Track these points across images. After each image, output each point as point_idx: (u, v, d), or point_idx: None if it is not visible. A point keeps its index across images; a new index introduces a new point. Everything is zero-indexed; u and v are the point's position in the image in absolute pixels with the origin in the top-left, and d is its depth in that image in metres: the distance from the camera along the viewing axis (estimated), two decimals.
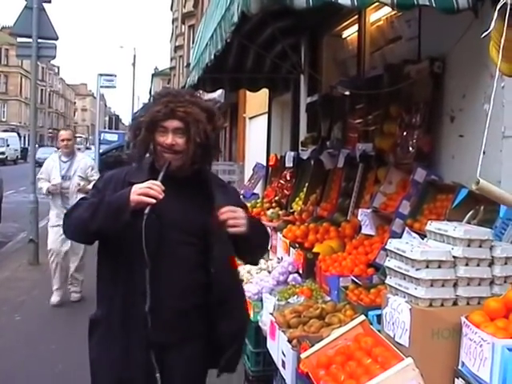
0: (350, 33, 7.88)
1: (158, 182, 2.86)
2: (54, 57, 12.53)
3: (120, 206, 2.84)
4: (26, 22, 11.60)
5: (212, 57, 5.71)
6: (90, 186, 6.93)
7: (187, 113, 2.94)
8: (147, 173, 3.02)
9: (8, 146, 50.56)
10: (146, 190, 2.81)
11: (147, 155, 3.11)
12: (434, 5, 3.79)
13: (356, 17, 7.26)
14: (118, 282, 3.01)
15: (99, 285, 3.14)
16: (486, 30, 3.10)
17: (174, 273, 2.99)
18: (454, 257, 2.95)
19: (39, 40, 11.72)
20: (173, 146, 2.95)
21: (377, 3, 4.14)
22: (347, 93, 6.91)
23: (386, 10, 6.26)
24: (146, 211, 2.82)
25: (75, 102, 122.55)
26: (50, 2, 12.04)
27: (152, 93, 57.95)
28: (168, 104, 2.95)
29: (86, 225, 2.90)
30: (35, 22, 11.50)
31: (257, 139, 14.66)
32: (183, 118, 2.94)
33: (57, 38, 12.13)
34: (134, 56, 62.97)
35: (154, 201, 2.81)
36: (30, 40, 11.76)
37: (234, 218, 2.92)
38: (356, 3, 3.71)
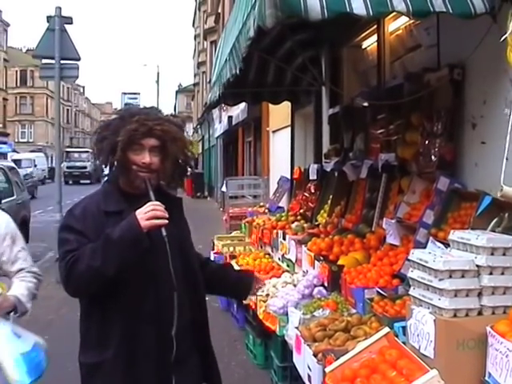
0: (370, 43, 7.86)
1: (157, 202, 2.83)
2: (76, 77, 12.72)
3: (135, 237, 2.76)
4: (49, 44, 11.82)
5: (233, 72, 5.71)
6: (22, 292, 3.46)
7: (164, 131, 2.92)
8: (121, 197, 2.98)
9: (35, 166, 51.01)
10: (153, 213, 2.77)
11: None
12: (450, 11, 3.76)
13: (375, 27, 7.24)
14: (123, 316, 2.91)
15: (94, 327, 3.04)
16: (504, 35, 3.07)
17: (185, 289, 3.01)
18: (477, 266, 2.92)
19: (62, 61, 11.90)
20: (150, 165, 2.91)
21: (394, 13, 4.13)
22: (366, 104, 6.89)
23: (405, 18, 6.23)
24: (164, 234, 2.82)
25: (101, 121, 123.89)
26: (71, 23, 12.21)
27: (175, 111, 58.32)
28: (145, 122, 2.89)
29: (101, 272, 2.76)
30: (57, 43, 11.70)
31: (281, 152, 14.66)
32: (160, 137, 2.92)
33: (79, 59, 12.30)
34: (158, 73, 64.09)
35: (166, 221, 2.79)
36: (52, 61, 11.93)
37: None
38: (372, 13, 3.70)
